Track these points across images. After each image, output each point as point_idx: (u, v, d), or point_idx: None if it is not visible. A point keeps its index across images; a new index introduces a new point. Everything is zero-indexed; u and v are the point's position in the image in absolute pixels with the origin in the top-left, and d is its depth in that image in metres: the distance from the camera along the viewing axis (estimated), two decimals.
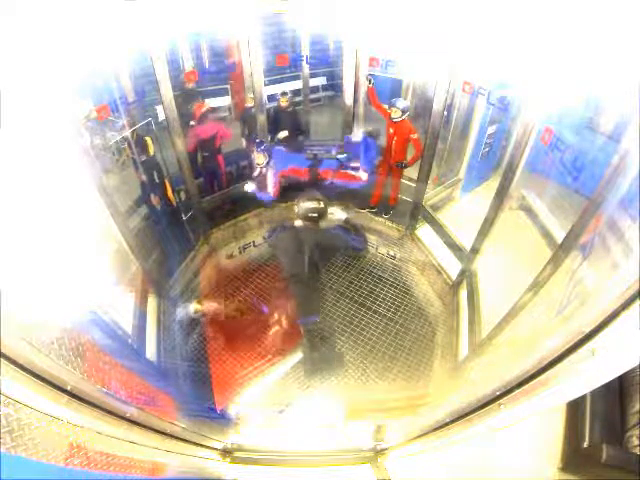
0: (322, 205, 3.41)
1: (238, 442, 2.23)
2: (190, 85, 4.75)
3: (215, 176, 4.74)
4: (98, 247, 2.66)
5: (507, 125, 4.17)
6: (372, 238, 4.81)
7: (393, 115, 4.04)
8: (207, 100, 4.78)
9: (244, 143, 4.95)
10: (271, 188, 4.17)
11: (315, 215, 3.37)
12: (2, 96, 1.51)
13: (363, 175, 4.25)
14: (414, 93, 5.16)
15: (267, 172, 4.17)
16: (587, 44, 1.92)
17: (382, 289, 4.41)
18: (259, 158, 4.12)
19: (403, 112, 4.02)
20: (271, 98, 5.15)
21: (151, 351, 3.05)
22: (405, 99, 4.74)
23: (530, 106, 2.54)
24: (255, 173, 4.24)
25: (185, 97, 4.71)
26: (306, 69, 5.33)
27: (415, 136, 4.04)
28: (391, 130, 4.20)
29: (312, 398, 3.43)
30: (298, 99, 6.59)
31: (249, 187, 4.25)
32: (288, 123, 4.75)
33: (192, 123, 4.38)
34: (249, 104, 4.58)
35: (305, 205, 3.38)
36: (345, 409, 2.81)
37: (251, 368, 3.57)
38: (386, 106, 4.19)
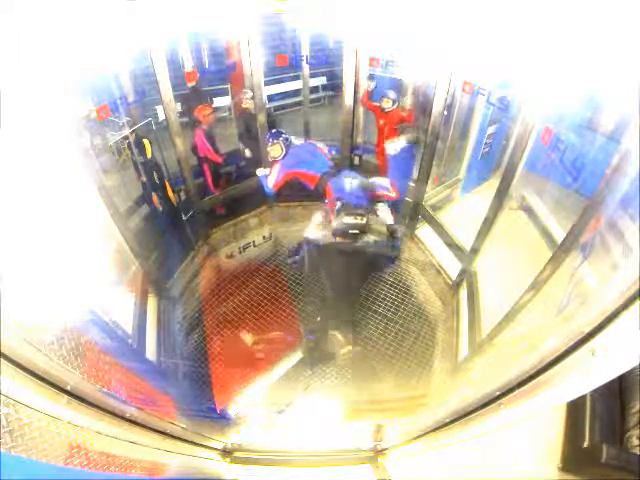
0: (364, 221, 2.93)
1: (238, 442, 2.23)
2: (192, 84, 4.75)
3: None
4: (98, 247, 2.65)
5: (507, 125, 4.17)
6: (372, 238, 4.80)
7: (384, 105, 4.39)
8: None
9: (240, 146, 4.88)
10: (273, 181, 3.67)
11: (357, 232, 2.92)
12: (2, 96, 1.51)
13: (392, 193, 3.75)
14: (414, 93, 5.16)
15: (276, 164, 3.70)
16: (587, 44, 1.92)
17: (382, 289, 4.40)
18: (275, 150, 3.68)
19: (394, 102, 4.42)
20: (271, 98, 5.14)
21: (151, 351, 3.05)
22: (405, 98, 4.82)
23: (530, 106, 2.54)
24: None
25: (191, 96, 4.71)
26: (306, 69, 5.32)
27: (405, 114, 4.45)
28: (381, 121, 4.56)
29: (312, 398, 3.43)
30: (298, 99, 6.59)
31: (261, 172, 3.80)
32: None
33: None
34: (244, 105, 4.57)
35: (346, 220, 2.88)
36: (345, 409, 2.81)
37: (251, 368, 3.56)
38: (377, 104, 4.48)
